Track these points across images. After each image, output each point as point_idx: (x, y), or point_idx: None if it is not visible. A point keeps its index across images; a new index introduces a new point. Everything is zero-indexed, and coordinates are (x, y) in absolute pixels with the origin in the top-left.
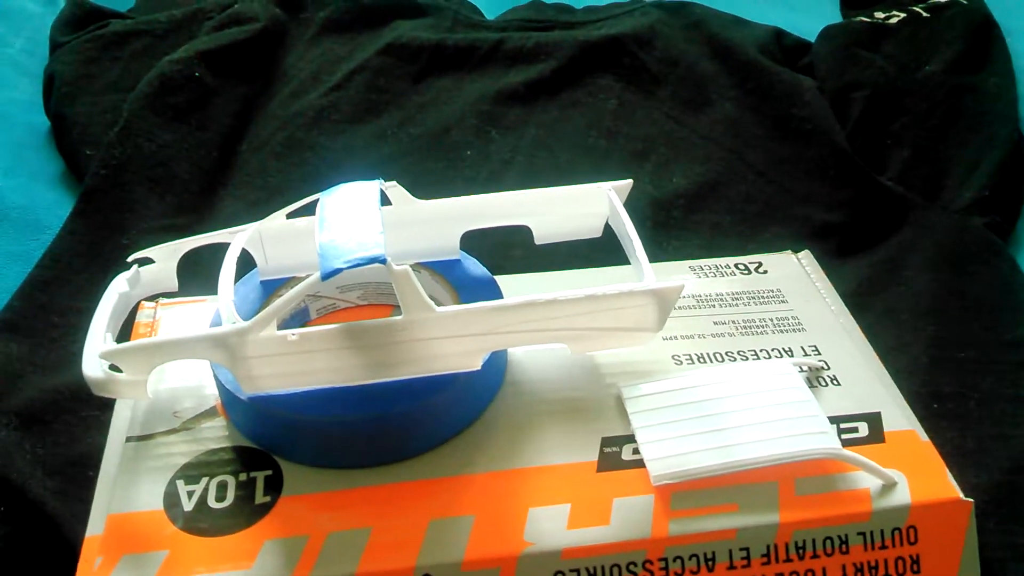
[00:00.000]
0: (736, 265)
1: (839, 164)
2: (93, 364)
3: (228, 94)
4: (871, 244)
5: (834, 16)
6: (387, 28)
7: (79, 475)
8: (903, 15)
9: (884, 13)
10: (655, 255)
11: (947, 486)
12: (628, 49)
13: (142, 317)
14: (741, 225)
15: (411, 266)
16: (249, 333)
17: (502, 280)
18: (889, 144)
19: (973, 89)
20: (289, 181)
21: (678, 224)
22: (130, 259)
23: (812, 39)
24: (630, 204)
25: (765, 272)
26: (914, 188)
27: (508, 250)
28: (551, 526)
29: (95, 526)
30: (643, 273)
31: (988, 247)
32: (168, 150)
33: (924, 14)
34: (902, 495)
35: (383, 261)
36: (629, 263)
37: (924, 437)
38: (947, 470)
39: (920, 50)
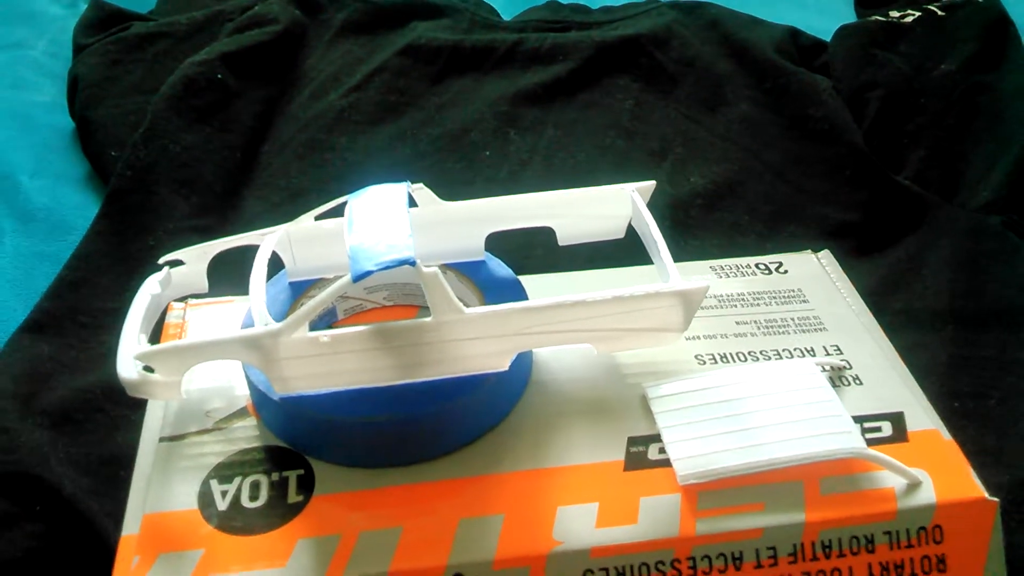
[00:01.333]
0: (756, 265)
1: (856, 164)
2: (128, 365)
3: (250, 96)
4: (888, 243)
5: (849, 15)
6: (405, 29)
7: (112, 474)
8: (918, 14)
9: (899, 12)
10: (674, 255)
11: (972, 485)
12: (645, 49)
13: (171, 318)
14: (759, 225)
15: (438, 267)
16: (282, 335)
17: (526, 280)
18: (905, 143)
19: (989, 88)
20: (310, 182)
21: (696, 224)
22: (161, 261)
23: (827, 38)
24: (649, 203)
25: (786, 272)
26: (931, 187)
27: (530, 250)
28: (580, 525)
29: (131, 526)
30: (668, 274)
31: (1006, 245)
32: (192, 152)
33: (939, 12)
34: (927, 494)
35: (413, 263)
36: (650, 262)
37: (947, 436)
38: (971, 469)
39: (936, 49)
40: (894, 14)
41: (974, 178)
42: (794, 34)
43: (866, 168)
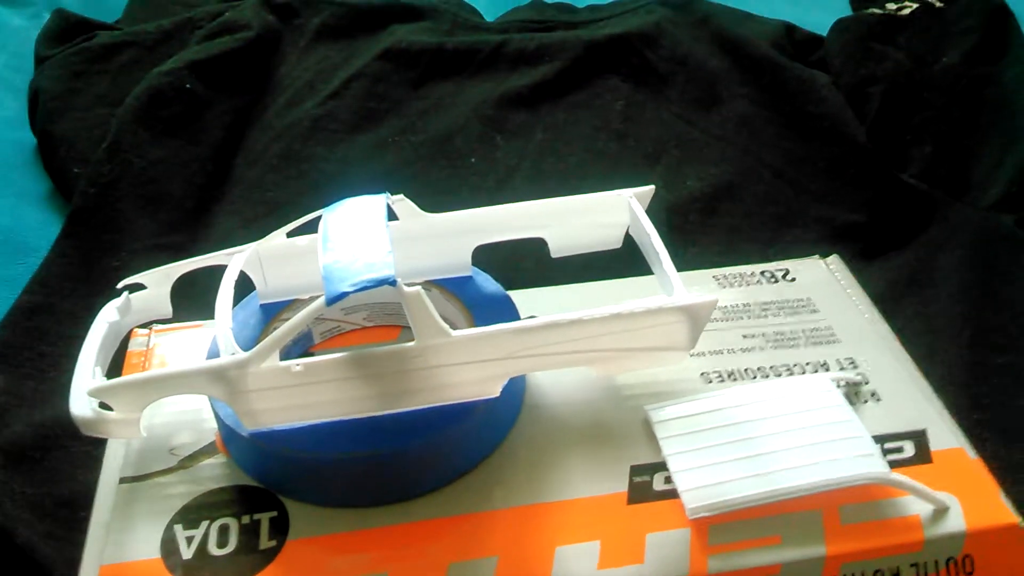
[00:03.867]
0: (762, 273)
1: (859, 162)
2: (81, 402)
3: (221, 106)
4: (897, 245)
5: (844, 8)
6: (384, 32)
7: (71, 516)
8: (916, 5)
9: (896, 4)
10: (674, 263)
11: (1003, 510)
12: (634, 48)
13: (134, 345)
14: (760, 228)
15: (421, 285)
16: (249, 365)
17: (516, 295)
18: (910, 140)
19: (992, 81)
20: (286, 195)
21: (695, 229)
22: (120, 285)
23: (823, 33)
24: (646, 209)
25: (793, 280)
26: (938, 185)
27: (519, 260)
28: (581, 566)
29: None
30: (672, 287)
31: (1020, 245)
32: (159, 166)
33: (937, 4)
34: (956, 521)
35: (393, 283)
36: (649, 271)
37: (973, 455)
38: (1001, 491)
39: (936, 41)
40: (891, 6)
41: (983, 175)
42: (789, 29)
43: (870, 166)
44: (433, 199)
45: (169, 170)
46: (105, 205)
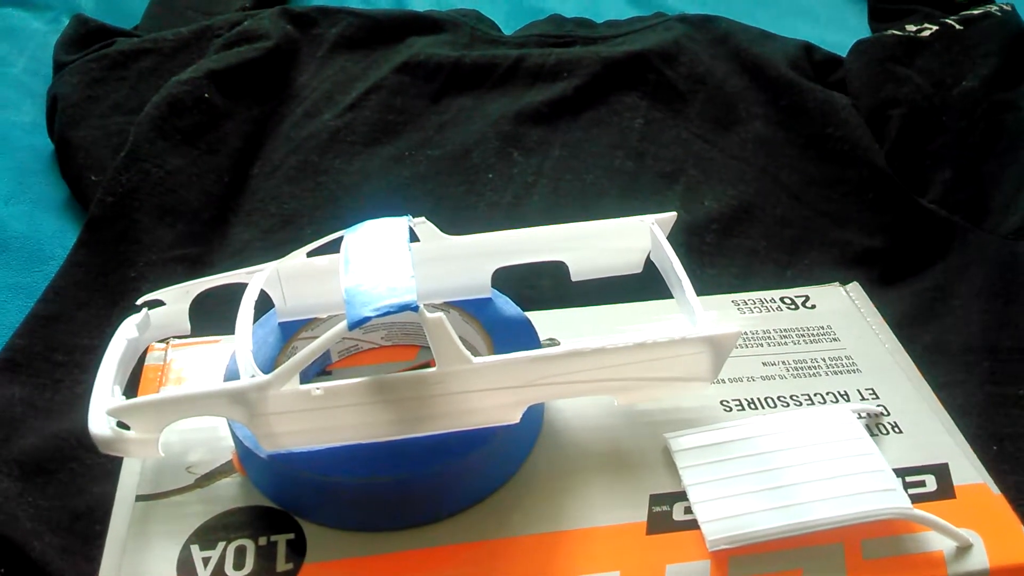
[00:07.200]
0: (782, 299)
1: (879, 186)
2: (100, 421)
3: (239, 116)
4: (915, 271)
5: (863, 30)
6: (403, 45)
7: (86, 530)
8: (935, 27)
9: (916, 26)
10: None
11: None
12: (653, 65)
13: (152, 360)
14: (778, 251)
15: (440, 307)
16: (269, 388)
17: (534, 316)
18: (929, 164)
19: (1013, 105)
20: (303, 207)
21: (712, 250)
22: (139, 302)
23: (842, 53)
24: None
25: (813, 307)
26: (958, 211)
27: (536, 279)
28: None
29: None
30: (694, 316)
31: None
32: (177, 176)
33: (957, 26)
34: (979, 558)
35: (415, 309)
36: (667, 294)
37: (996, 490)
38: None
39: (955, 64)
40: (910, 28)
41: (1002, 201)
42: (808, 49)
43: (889, 191)
44: (450, 214)
45: (186, 180)
46: (122, 214)
